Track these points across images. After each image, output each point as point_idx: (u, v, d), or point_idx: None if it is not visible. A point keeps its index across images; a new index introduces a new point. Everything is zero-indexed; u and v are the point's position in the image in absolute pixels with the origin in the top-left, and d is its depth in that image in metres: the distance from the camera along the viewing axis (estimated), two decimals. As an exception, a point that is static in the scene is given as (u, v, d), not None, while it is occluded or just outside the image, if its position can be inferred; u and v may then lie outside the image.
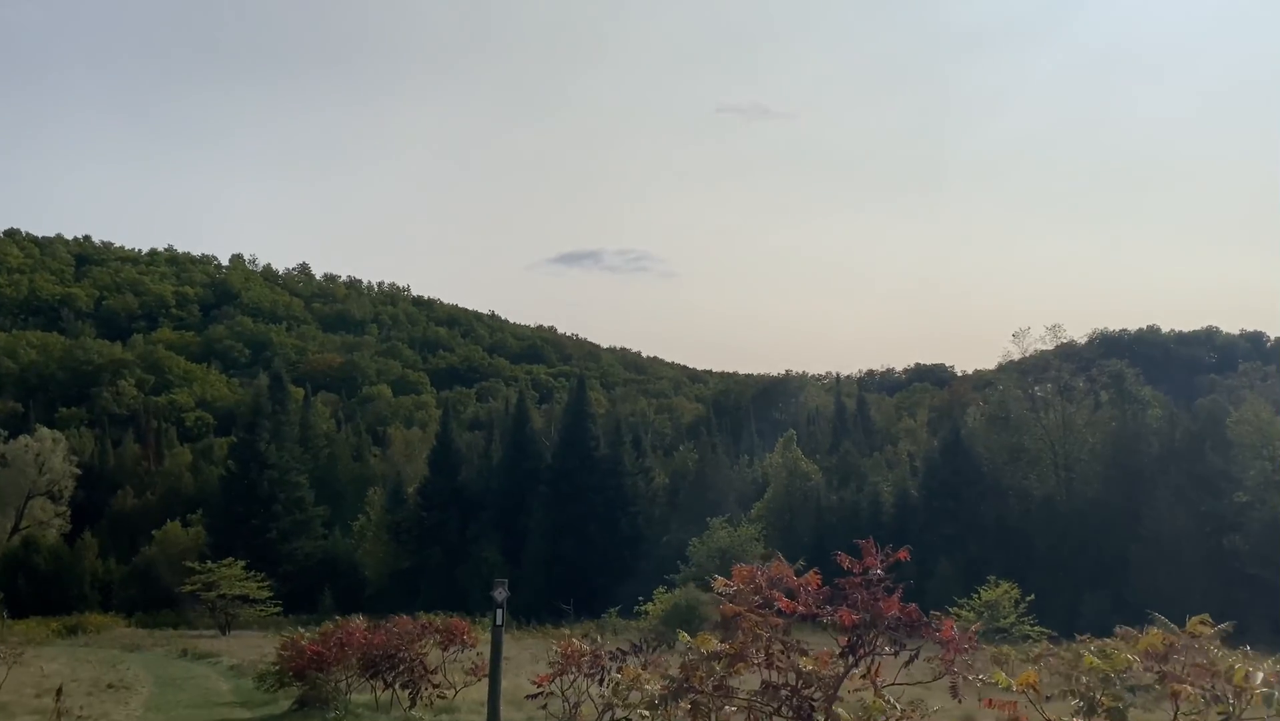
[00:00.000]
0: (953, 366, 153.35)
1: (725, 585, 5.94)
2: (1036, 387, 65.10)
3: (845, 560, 5.63)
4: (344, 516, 77.80)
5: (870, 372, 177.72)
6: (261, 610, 53.16)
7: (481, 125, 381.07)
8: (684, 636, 6.48)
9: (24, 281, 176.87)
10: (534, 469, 71.84)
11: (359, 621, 18.20)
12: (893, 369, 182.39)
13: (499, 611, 11.34)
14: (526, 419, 74.53)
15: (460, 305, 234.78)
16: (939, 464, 61.85)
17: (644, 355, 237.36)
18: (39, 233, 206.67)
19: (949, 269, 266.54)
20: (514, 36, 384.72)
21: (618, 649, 8.79)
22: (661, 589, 43.41)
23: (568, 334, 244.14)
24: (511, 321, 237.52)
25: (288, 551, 68.25)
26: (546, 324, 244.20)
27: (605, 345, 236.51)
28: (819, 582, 5.65)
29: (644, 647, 8.24)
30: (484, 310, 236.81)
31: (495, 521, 69.20)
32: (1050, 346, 64.76)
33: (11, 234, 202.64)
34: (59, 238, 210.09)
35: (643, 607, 42.37)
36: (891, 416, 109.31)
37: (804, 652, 5.61)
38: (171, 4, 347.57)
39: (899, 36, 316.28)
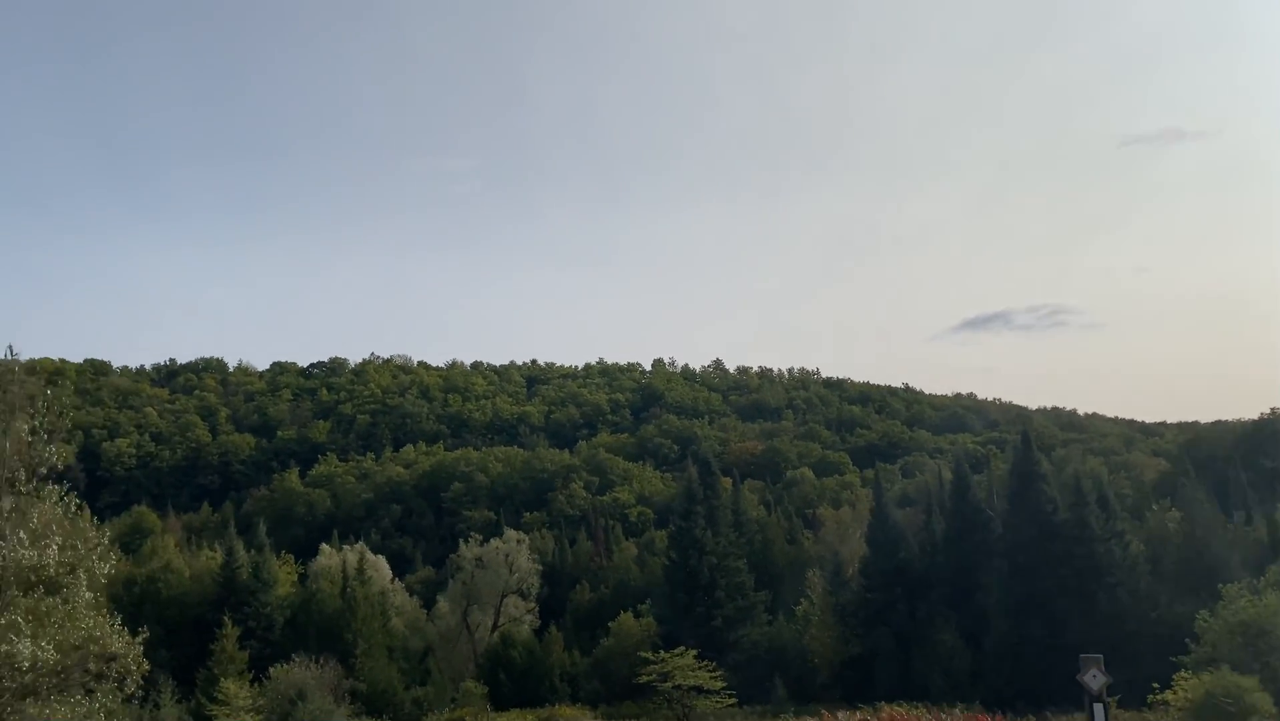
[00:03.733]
0: None
1: None
2: None
3: None
4: (784, 602, 75.74)
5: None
6: (717, 701, 51.85)
7: (865, 204, 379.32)
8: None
9: (488, 405, 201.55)
10: (983, 541, 65.00)
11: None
12: None
13: (1099, 708, 7.47)
14: (968, 488, 68.04)
15: (871, 381, 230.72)
16: None
17: (1080, 412, 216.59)
18: (497, 362, 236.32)
19: None
20: (883, 112, 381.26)
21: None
22: (1185, 673, 35.42)
23: (989, 399, 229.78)
24: (926, 392, 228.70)
25: (734, 639, 67.16)
26: (964, 391, 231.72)
27: (1034, 406, 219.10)
28: None
29: None
30: (895, 384, 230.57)
31: (947, 600, 63.04)
32: None
33: (476, 366, 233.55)
34: (512, 364, 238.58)
35: (1160, 697, 34.75)
36: None
37: None
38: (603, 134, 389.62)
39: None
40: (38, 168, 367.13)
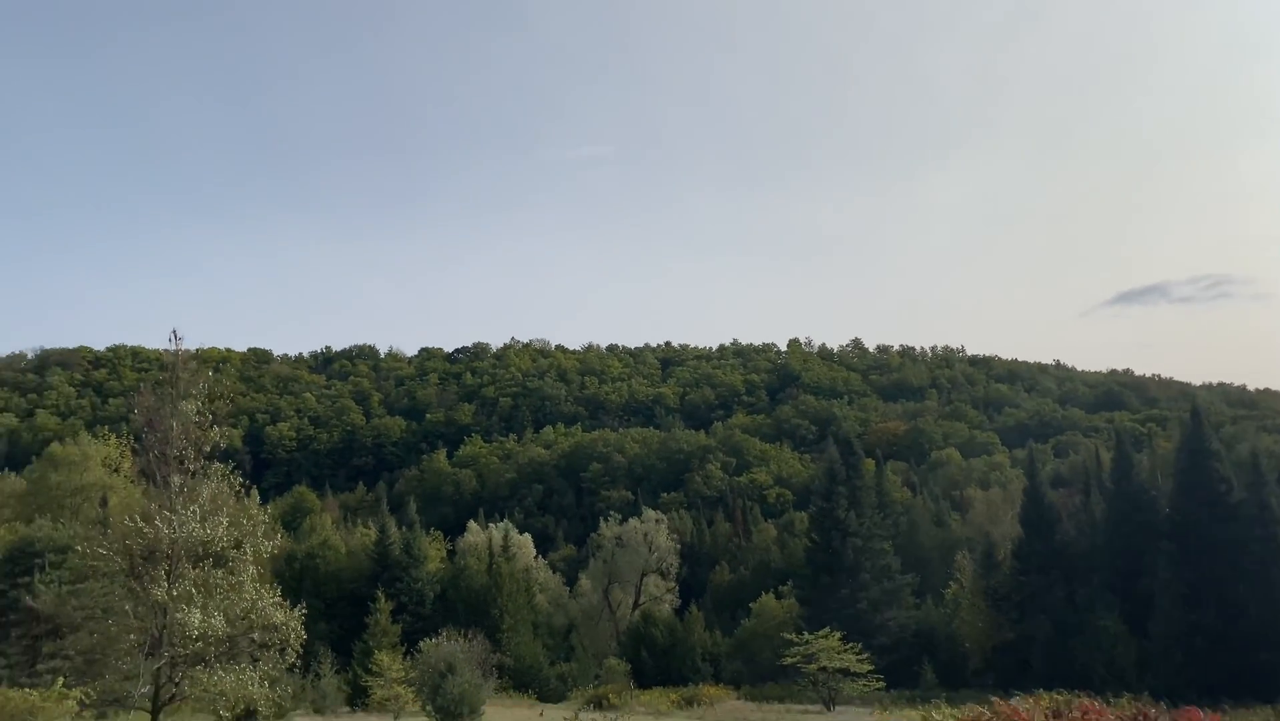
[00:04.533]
0: None
1: None
2: None
3: None
4: (931, 585, 73.41)
5: None
6: (864, 685, 50.55)
7: (1011, 177, 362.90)
8: None
9: (624, 387, 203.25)
10: (1148, 522, 61.16)
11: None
12: None
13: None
14: (1131, 466, 64.12)
15: (1019, 359, 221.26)
16: None
17: (1249, 388, 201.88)
18: (632, 344, 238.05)
19: None
20: (1028, 83, 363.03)
21: None
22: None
23: (1147, 375, 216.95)
24: (1079, 369, 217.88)
25: (880, 622, 65.49)
26: (1119, 368, 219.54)
27: (1198, 382, 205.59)
28: None
29: None
30: (1046, 361, 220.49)
31: (1109, 585, 59.66)
32: None
33: (612, 348, 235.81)
34: (647, 346, 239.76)
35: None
36: None
37: None
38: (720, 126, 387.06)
39: None
40: (207, 171, 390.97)
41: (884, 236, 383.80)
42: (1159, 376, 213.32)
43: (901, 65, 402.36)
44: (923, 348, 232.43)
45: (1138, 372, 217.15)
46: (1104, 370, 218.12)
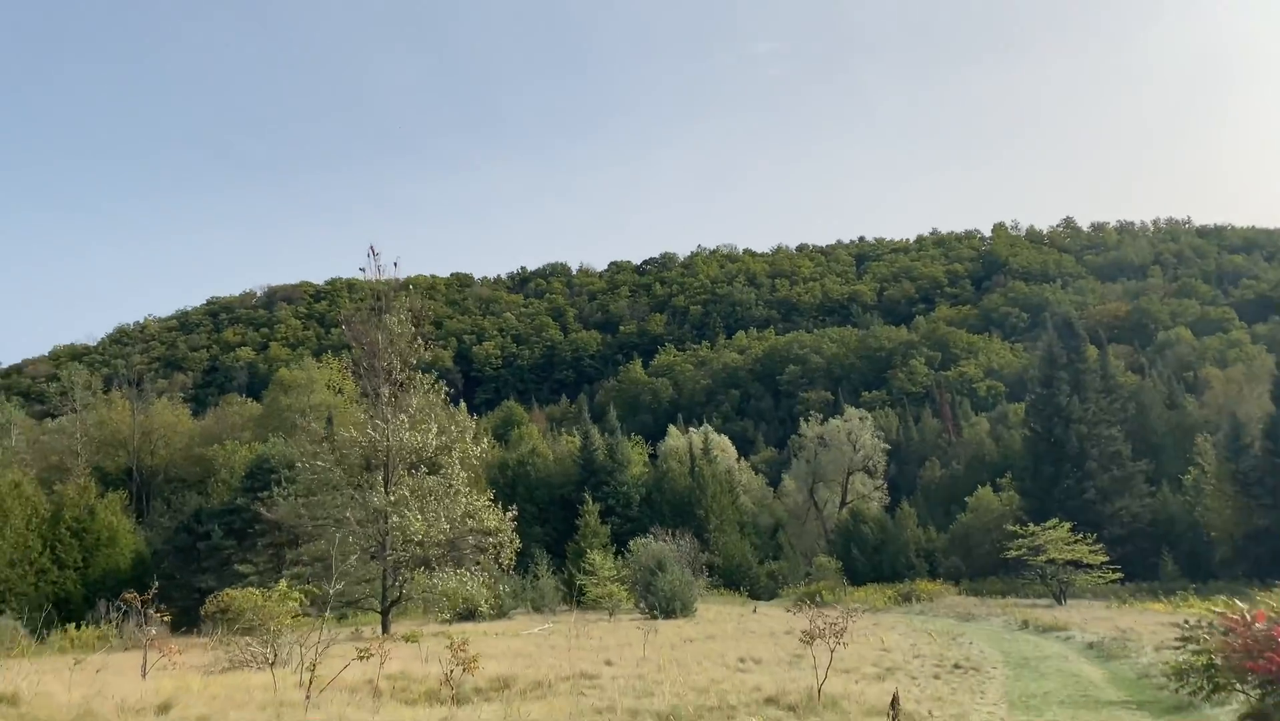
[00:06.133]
0: None
1: None
2: None
3: None
4: (1167, 471, 67.78)
5: None
6: (1098, 576, 47.30)
7: (1228, 37, 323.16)
8: None
9: (817, 287, 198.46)
10: None
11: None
12: None
13: None
14: None
15: (1257, 226, 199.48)
16: None
17: None
18: (822, 243, 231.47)
19: None
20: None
21: None
22: None
23: None
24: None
25: (1110, 513, 61.13)
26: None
27: None
28: None
29: None
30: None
31: (1387, 464, 52.93)
32: None
33: (801, 248, 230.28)
34: (839, 243, 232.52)
35: None
36: None
37: None
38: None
39: None
40: (398, 106, 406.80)
41: (1093, 101, 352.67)
42: None
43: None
44: (1143, 221, 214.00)
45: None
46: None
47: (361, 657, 13.50)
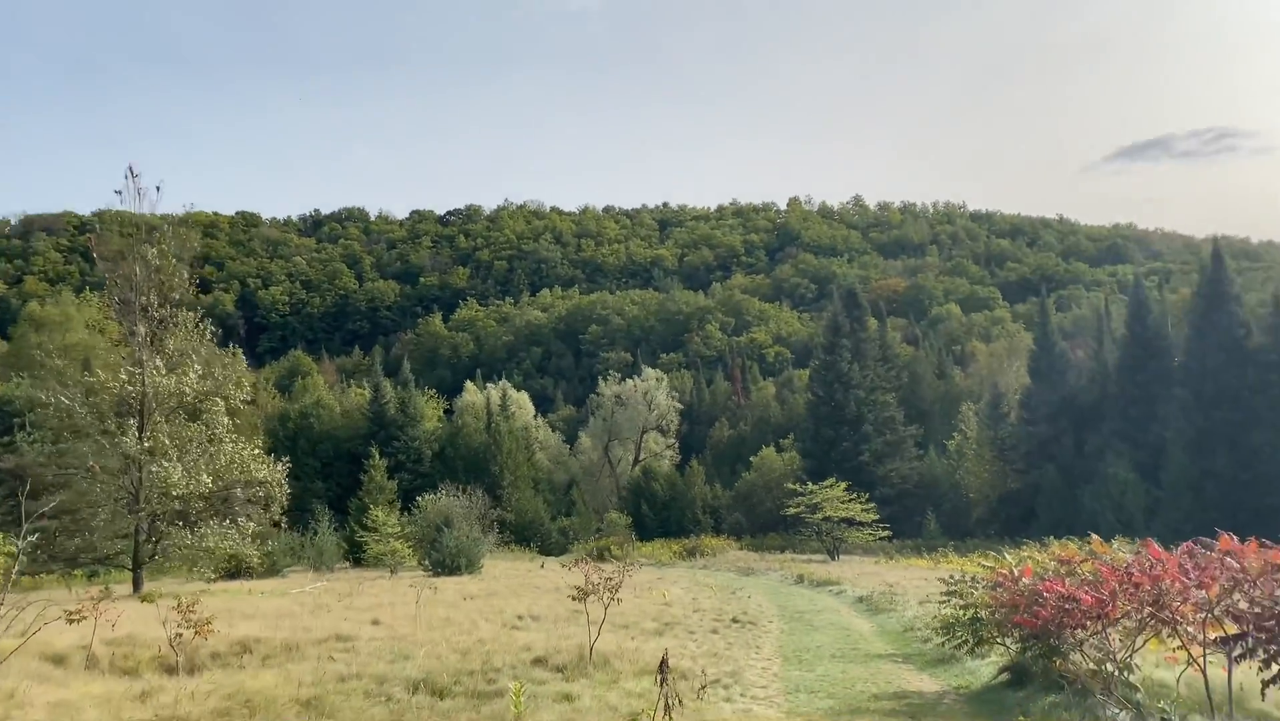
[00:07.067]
0: None
1: None
2: None
3: None
4: (936, 436, 72.54)
5: None
6: (869, 533, 49.87)
7: (1010, 23, 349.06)
8: None
9: (621, 249, 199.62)
10: (1162, 370, 59.60)
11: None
12: None
13: None
14: (1147, 313, 62.06)
15: (1022, 214, 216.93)
16: None
17: (1253, 241, 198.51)
18: (628, 206, 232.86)
19: None
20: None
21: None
22: None
23: (1151, 229, 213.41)
24: (1082, 224, 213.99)
25: (883, 474, 64.77)
26: (1123, 222, 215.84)
27: (1201, 236, 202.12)
28: None
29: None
30: (1048, 216, 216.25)
31: (1120, 433, 58.51)
32: None
33: (608, 210, 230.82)
34: (644, 208, 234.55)
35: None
36: None
37: None
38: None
39: None
40: (187, 32, 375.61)
41: (882, 87, 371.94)
42: (1162, 230, 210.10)
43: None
44: (924, 204, 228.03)
45: (1143, 226, 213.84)
46: (1107, 225, 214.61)
47: (71, 621, 11.74)
